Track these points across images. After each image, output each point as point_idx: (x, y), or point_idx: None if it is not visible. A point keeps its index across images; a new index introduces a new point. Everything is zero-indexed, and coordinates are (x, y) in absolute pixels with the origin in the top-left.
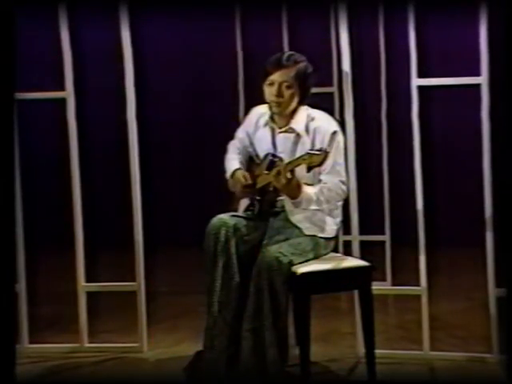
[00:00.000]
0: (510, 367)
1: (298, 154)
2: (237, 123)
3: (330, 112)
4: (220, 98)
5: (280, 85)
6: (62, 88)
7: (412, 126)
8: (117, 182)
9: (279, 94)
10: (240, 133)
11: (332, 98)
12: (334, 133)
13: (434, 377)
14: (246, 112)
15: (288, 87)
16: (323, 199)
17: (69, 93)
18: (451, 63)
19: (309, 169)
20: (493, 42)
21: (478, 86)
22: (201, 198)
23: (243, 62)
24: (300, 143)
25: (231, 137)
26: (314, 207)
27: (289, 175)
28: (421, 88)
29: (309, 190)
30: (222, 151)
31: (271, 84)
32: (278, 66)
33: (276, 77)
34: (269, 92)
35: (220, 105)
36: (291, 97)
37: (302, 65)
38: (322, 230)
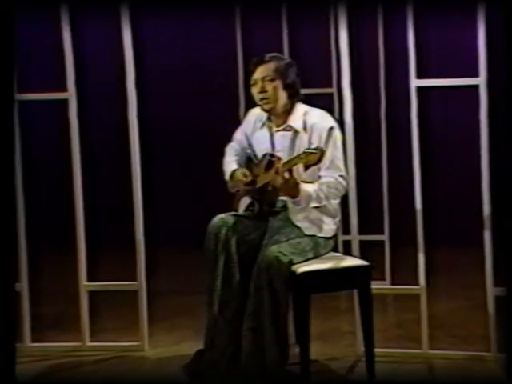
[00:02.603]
0: (508, 366)
1: (296, 151)
2: (237, 123)
3: (330, 113)
4: (220, 97)
5: (262, 80)
6: (64, 89)
7: (411, 126)
8: (118, 182)
9: (263, 89)
10: (238, 135)
11: (331, 98)
12: (331, 128)
13: (432, 375)
14: (246, 112)
15: (270, 81)
16: (323, 196)
17: (71, 94)
18: (449, 64)
19: (306, 167)
20: (491, 43)
21: (476, 87)
22: (201, 198)
23: (243, 62)
24: (298, 140)
25: (231, 137)
26: (314, 204)
27: (286, 175)
28: (419, 89)
29: (308, 188)
30: (223, 151)
31: (255, 83)
32: (258, 63)
33: (257, 74)
34: (254, 91)
35: (220, 105)
36: (275, 90)
37: (282, 61)
38: (322, 229)
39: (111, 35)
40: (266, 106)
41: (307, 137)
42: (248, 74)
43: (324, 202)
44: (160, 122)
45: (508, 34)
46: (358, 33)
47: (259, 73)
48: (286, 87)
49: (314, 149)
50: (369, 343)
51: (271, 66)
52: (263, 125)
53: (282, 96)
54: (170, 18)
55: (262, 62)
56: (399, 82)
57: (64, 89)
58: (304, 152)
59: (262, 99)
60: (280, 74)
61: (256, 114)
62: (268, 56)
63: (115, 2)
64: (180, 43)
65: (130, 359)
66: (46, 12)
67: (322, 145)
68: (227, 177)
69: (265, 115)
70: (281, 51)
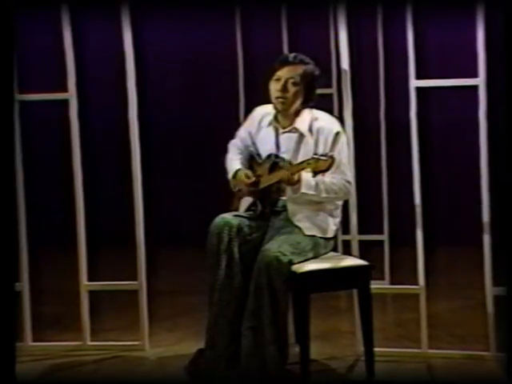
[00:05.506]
0: (508, 365)
1: (301, 154)
2: (237, 123)
3: (329, 113)
4: (220, 98)
5: (286, 80)
6: (64, 89)
7: (410, 126)
8: (118, 181)
9: (284, 89)
10: (242, 132)
11: (331, 99)
12: (337, 133)
13: (432, 375)
14: (246, 112)
15: (294, 84)
16: (323, 188)
17: (71, 94)
18: (449, 64)
19: (315, 173)
20: (490, 43)
21: (475, 88)
22: (202, 198)
23: (243, 62)
24: (303, 143)
25: (231, 137)
26: (311, 193)
27: (296, 177)
28: (419, 89)
29: (308, 176)
30: (223, 151)
31: (278, 80)
32: (286, 62)
33: (283, 72)
34: (274, 88)
35: (220, 105)
36: (296, 94)
37: (310, 66)
38: (322, 230)
39: (112, 35)
40: (279, 106)
41: (313, 140)
42: (271, 70)
43: (323, 195)
44: (160, 122)
45: (507, 34)
46: (358, 33)
47: (286, 72)
48: (306, 94)
49: (323, 155)
50: (368, 343)
51: (299, 69)
52: (269, 124)
53: (299, 101)
54: (171, 17)
55: (290, 62)
56: (399, 83)
57: (64, 89)
58: (313, 158)
59: (278, 97)
60: (305, 80)
61: (262, 112)
62: (293, 57)
63: (116, 2)
64: (180, 43)
65: (131, 359)
66: (46, 12)
67: (327, 149)
68: (230, 176)
69: (271, 114)
70: (281, 51)
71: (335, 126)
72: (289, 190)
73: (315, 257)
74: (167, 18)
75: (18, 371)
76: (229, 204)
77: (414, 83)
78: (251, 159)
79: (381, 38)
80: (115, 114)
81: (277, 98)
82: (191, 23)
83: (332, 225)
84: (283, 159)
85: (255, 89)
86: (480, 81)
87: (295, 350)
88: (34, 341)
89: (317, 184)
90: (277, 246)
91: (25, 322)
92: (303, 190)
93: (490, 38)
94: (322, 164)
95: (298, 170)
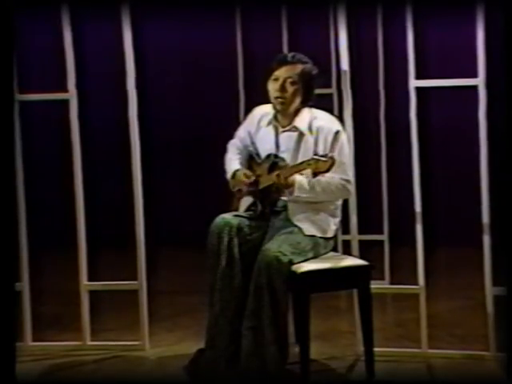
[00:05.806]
0: (508, 365)
1: (300, 153)
2: (237, 123)
3: (330, 113)
4: (220, 97)
5: (284, 80)
6: (64, 89)
7: (410, 126)
8: (119, 182)
9: (283, 89)
10: (241, 132)
11: (331, 99)
12: (337, 132)
13: (431, 374)
14: (246, 112)
15: (292, 83)
16: (319, 189)
17: (72, 94)
18: (449, 64)
19: (314, 174)
20: (490, 43)
21: (475, 88)
22: (202, 198)
23: (243, 61)
24: (303, 142)
25: (231, 137)
26: (307, 195)
27: (290, 181)
28: (418, 89)
29: (302, 178)
30: (223, 151)
31: (276, 79)
32: (284, 62)
33: (281, 72)
34: (273, 88)
35: (220, 105)
36: (294, 93)
37: (308, 65)
38: (322, 230)
39: (112, 35)
40: (279, 106)
41: (313, 139)
42: (269, 70)
43: (321, 197)
44: (160, 122)
45: (507, 34)
46: (358, 33)
47: (284, 72)
48: (304, 93)
49: (323, 156)
50: (368, 342)
51: (297, 68)
52: (269, 123)
53: (298, 100)
54: (171, 17)
55: (288, 61)
56: (398, 83)
57: (65, 89)
58: (313, 158)
59: (277, 97)
60: (303, 79)
61: (261, 112)
62: (291, 56)
63: (116, 2)
64: (180, 43)
65: (131, 358)
66: (46, 12)
67: (328, 148)
68: (229, 176)
69: (271, 114)
70: (281, 51)
71: (335, 124)
72: (291, 204)
73: (315, 257)
74: (167, 17)
75: (18, 371)
76: (229, 204)
77: (414, 83)
78: (250, 159)
79: (381, 38)
80: (115, 114)
81: (276, 97)
82: (191, 23)
83: (332, 225)
84: (283, 159)
85: (255, 89)
86: (480, 81)
87: (295, 350)
88: (34, 341)
89: (312, 186)
90: (277, 246)
91: (25, 322)
92: (296, 193)
93: (490, 37)
94: (322, 165)
95: (298, 171)
